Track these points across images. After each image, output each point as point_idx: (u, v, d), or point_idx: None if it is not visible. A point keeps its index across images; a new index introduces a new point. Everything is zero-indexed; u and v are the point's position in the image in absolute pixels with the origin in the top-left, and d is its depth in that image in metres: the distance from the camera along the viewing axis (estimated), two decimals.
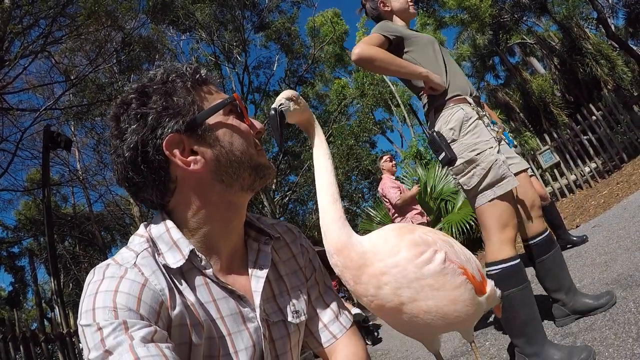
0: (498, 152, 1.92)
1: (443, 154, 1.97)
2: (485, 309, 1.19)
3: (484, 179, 1.91)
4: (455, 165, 1.98)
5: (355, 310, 4.30)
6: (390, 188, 5.36)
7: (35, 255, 21.88)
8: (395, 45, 2.16)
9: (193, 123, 0.86)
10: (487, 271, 1.91)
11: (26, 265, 24.85)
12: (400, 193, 5.27)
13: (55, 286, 7.44)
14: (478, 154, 1.91)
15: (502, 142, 2.09)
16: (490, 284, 1.20)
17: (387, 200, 5.34)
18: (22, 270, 25.58)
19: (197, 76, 0.91)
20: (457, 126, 1.97)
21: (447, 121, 2.01)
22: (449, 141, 1.99)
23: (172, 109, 0.85)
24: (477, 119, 1.99)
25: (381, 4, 2.41)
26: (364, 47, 2.01)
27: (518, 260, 1.91)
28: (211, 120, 0.88)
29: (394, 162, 5.54)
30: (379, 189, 5.51)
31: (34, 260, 22.35)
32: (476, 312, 1.11)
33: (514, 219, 1.95)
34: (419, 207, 5.26)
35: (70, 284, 19.72)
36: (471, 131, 1.95)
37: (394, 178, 5.47)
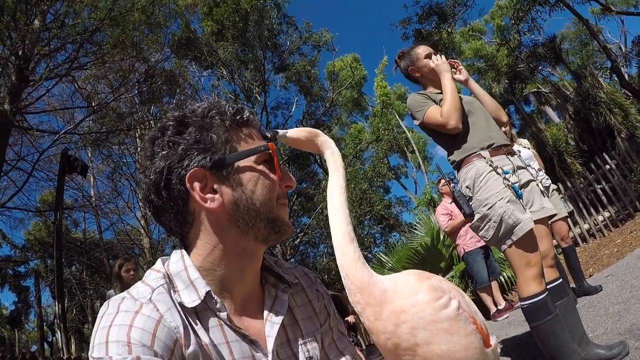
0: (508, 202, 2.06)
1: (463, 210, 2.18)
2: None
3: (499, 230, 2.08)
4: (473, 222, 2.19)
5: None
6: (440, 215, 5.43)
7: (41, 277, 21.88)
8: None
9: (220, 162, 0.86)
10: (520, 305, 2.14)
11: (31, 286, 24.86)
12: (450, 219, 5.29)
13: (59, 310, 7.40)
14: (489, 208, 2.09)
15: (526, 188, 2.25)
16: (493, 339, 1.20)
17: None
18: (27, 291, 25.57)
19: (238, 117, 0.91)
20: (471, 184, 2.17)
21: (464, 179, 2.22)
22: (467, 198, 2.20)
23: (202, 144, 0.86)
24: (489, 172, 2.14)
25: (411, 71, 2.57)
26: (443, 115, 2.25)
27: (543, 295, 2.03)
28: (240, 163, 0.88)
29: (452, 184, 5.38)
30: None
31: (39, 282, 22.31)
32: None
33: (536, 256, 2.08)
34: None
35: (74, 309, 19.59)
36: (483, 187, 2.13)
37: (450, 202, 5.33)
